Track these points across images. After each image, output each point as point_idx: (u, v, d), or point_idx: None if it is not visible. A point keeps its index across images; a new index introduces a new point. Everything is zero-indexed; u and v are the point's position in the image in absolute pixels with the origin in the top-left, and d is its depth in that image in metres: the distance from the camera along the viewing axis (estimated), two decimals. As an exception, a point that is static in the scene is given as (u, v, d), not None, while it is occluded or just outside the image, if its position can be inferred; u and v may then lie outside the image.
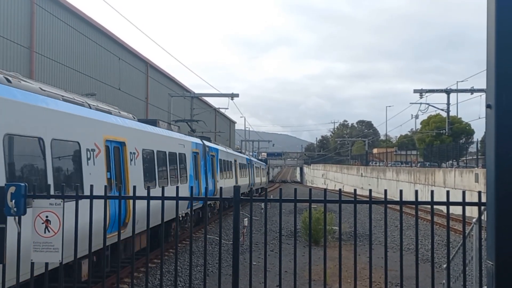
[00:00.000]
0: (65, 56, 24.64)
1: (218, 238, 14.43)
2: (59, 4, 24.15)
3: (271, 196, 44.56)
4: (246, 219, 17.05)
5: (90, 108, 10.24)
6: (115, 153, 10.77)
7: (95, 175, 9.44)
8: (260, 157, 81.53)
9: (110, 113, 11.26)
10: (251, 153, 74.99)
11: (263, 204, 23.18)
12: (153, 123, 14.73)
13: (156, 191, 8.20)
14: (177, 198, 5.09)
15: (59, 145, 8.25)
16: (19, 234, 4.85)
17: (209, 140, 23.42)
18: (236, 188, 4.98)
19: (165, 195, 4.94)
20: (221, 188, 5.40)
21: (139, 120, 14.06)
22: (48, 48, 23.08)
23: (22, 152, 7.39)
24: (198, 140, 20.07)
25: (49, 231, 4.82)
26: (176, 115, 38.85)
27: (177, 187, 5.08)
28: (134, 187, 5.15)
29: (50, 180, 7.73)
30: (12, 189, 4.67)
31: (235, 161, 30.47)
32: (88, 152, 9.31)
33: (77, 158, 8.91)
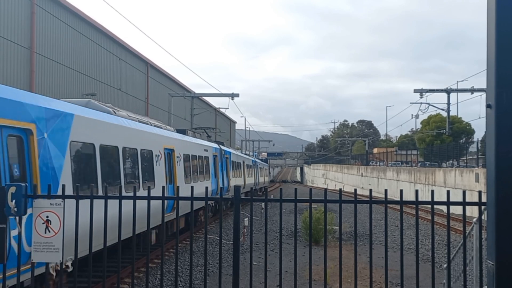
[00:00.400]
0: (65, 57, 24.64)
1: (218, 238, 14.43)
2: (60, 4, 24.15)
3: (272, 196, 44.53)
4: (246, 219, 17.07)
5: (151, 125, 13.91)
6: (168, 157, 14.52)
7: (159, 173, 13.31)
8: (260, 157, 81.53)
9: (161, 127, 15.06)
10: (251, 153, 75.02)
11: (263, 204, 23.27)
12: (183, 132, 18.47)
13: (189, 187, 10.95)
14: (177, 198, 5.09)
15: (143, 153, 12.28)
16: (19, 234, 4.85)
17: (223, 144, 27.14)
18: (237, 188, 4.98)
19: (195, 190, 5.14)
20: (221, 188, 5.40)
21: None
22: (48, 49, 23.09)
23: (129, 157, 11.47)
24: (216, 145, 23.74)
25: (49, 231, 4.83)
26: (176, 115, 38.85)
27: (192, 187, 5.13)
28: (163, 188, 5.20)
29: (140, 175, 11.83)
30: (12, 189, 4.67)
31: (243, 162, 33.71)
32: (156, 157, 13.16)
33: (151, 161, 12.80)
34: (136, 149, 11.69)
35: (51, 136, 7.77)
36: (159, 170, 13.27)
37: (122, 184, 10.50)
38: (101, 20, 29.06)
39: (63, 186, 5.09)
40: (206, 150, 20.31)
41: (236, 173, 29.39)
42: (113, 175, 10.36)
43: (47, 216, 4.83)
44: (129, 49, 33.73)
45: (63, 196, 4.94)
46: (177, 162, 15.18)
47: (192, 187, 5.07)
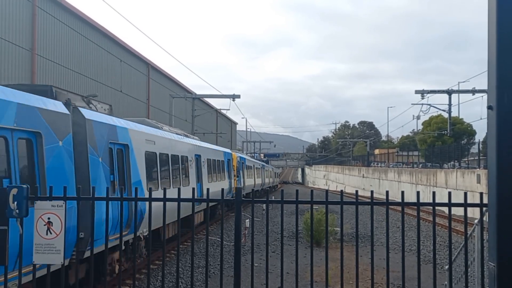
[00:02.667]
0: (66, 58, 24.67)
1: (219, 239, 14.39)
2: (61, 6, 24.19)
3: (273, 197, 44.63)
4: (247, 220, 17.05)
5: (187, 136, 17.86)
6: (197, 161, 18.13)
7: (192, 174, 16.98)
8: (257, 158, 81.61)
9: (188, 136, 18.53)
10: (250, 154, 75.03)
11: (264, 205, 23.27)
12: (268, 162, 29.84)
13: (214, 185, 19.84)
14: (179, 200, 5.10)
15: (183, 158, 15.73)
16: (21, 236, 4.86)
17: (241, 151, 37.20)
18: (238, 190, 4.98)
19: (213, 188, 5.49)
20: (222, 189, 5.41)
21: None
22: (49, 50, 23.12)
23: (174, 161, 14.73)
24: (231, 151, 29.62)
25: (51, 233, 4.83)
26: (177, 117, 38.87)
27: (193, 189, 5.17)
28: (178, 189, 5.26)
29: (180, 175, 15.17)
30: (14, 191, 4.67)
31: (254, 165, 39.36)
32: (190, 162, 16.70)
33: (186, 164, 16.27)
34: (178, 155, 15.15)
35: (137, 149, 11.23)
36: (192, 171, 17.00)
37: (170, 181, 14.04)
38: (102, 22, 29.06)
39: (65, 188, 5.09)
40: (224, 155, 25.00)
41: (249, 175, 35.41)
42: (166, 175, 13.87)
43: (49, 218, 4.83)
44: (130, 50, 33.76)
45: (64, 198, 4.95)
46: (202, 166, 18.80)
47: (208, 189, 5.56)
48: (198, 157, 18.11)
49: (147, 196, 5.62)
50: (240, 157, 30.81)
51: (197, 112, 41.91)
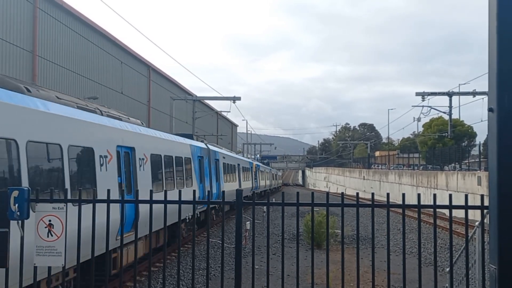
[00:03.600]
0: (67, 60, 24.70)
1: (220, 242, 14.32)
2: (62, 8, 24.22)
3: (273, 199, 44.75)
4: (248, 222, 17.04)
5: (223, 149, 27.26)
6: (242, 168, 27.72)
7: (235, 177, 26.71)
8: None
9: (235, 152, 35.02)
10: (252, 156, 75.04)
11: (265, 207, 23.23)
12: (268, 164, 59.69)
13: (246, 183, 32.42)
14: (180, 202, 5.10)
15: (201, 161, 19.22)
16: (22, 238, 4.86)
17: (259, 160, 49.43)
18: (239, 192, 4.98)
19: (228, 188, 5.72)
20: (223, 192, 5.41)
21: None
22: (50, 52, 23.15)
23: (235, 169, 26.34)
24: (250, 160, 40.19)
25: (52, 235, 4.83)
26: (178, 119, 38.88)
27: (194, 191, 5.22)
28: (165, 191, 5.20)
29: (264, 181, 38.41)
30: (15, 193, 4.67)
31: (264, 170, 48.96)
32: (239, 169, 29.07)
33: (263, 173, 37.57)
34: (202, 157, 19.23)
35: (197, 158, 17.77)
36: (236, 175, 25.78)
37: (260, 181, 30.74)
38: (103, 24, 29.09)
39: (66, 190, 5.10)
40: (239, 164, 30.63)
41: (261, 177, 44.15)
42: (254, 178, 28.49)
43: (50, 220, 4.83)
44: (131, 52, 33.80)
45: (66, 200, 4.95)
46: (241, 171, 29.22)
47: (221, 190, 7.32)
48: (217, 161, 22.76)
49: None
50: (257, 164, 41.42)
51: (197, 114, 41.91)
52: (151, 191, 5.20)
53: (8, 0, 20.21)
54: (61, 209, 4.86)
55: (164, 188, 13.18)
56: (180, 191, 5.05)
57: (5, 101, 6.89)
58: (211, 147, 21.60)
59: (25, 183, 6.90)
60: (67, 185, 7.86)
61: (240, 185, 29.34)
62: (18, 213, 4.66)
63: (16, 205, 4.66)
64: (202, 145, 19.87)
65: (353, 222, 22.50)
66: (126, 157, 11.08)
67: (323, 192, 47.65)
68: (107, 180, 9.66)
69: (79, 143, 8.80)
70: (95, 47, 27.22)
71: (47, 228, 4.83)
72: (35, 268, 4.90)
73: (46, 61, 22.09)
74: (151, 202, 5.07)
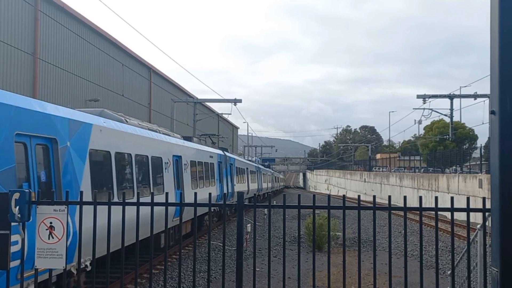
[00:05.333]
0: (68, 62, 24.73)
1: (221, 244, 14.32)
2: (63, 10, 24.26)
3: (274, 202, 44.91)
4: (249, 225, 17.03)
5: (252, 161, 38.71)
6: (231, 168, 26.12)
7: (255, 179, 34.34)
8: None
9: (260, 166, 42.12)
10: (252, 158, 75.16)
11: (266, 210, 23.24)
12: (269, 166, 61.36)
13: (242, 186, 30.11)
14: (183, 204, 5.09)
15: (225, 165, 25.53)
16: (23, 240, 4.85)
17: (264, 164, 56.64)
18: (240, 195, 4.98)
19: (239, 189, 6.20)
20: (224, 194, 5.42)
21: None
22: (51, 55, 23.18)
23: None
24: (258, 165, 46.15)
25: (53, 237, 4.82)
26: (179, 121, 38.88)
27: (210, 193, 5.29)
28: (166, 194, 5.21)
29: (267, 183, 43.59)
30: (16, 195, 4.67)
31: (267, 173, 52.26)
32: (273, 176, 53.13)
33: (268, 176, 46.09)
34: (232, 164, 25.94)
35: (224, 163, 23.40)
36: (257, 178, 33.03)
37: (266, 183, 36.83)
38: (104, 26, 29.12)
39: (67, 192, 5.09)
40: (253, 166, 37.43)
41: (265, 179, 48.13)
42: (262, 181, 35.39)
43: (51, 222, 4.83)
44: (132, 55, 33.83)
45: (67, 202, 4.95)
46: (263, 175, 36.96)
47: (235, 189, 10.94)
48: (232, 164, 26.28)
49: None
50: (262, 167, 47.95)
51: (198, 117, 41.91)
52: (166, 194, 5.20)
53: (10, 2, 20.24)
54: (62, 211, 4.86)
55: (198, 187, 17.40)
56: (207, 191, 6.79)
57: (117, 128, 10.29)
58: (227, 153, 25.54)
59: (114, 180, 9.70)
60: (151, 182, 11.96)
61: (248, 186, 33.13)
62: (19, 215, 4.66)
63: (17, 207, 4.65)
64: (221, 152, 23.79)
65: (353, 225, 22.46)
66: (176, 163, 14.87)
67: (324, 195, 47.65)
68: (168, 179, 13.60)
69: (155, 154, 12.61)
70: (96, 49, 27.25)
71: (48, 230, 4.83)
72: (36, 270, 4.89)
73: (47, 64, 22.12)
74: (166, 204, 5.08)
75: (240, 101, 40.50)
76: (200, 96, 51.05)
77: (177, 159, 14.93)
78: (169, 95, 39.14)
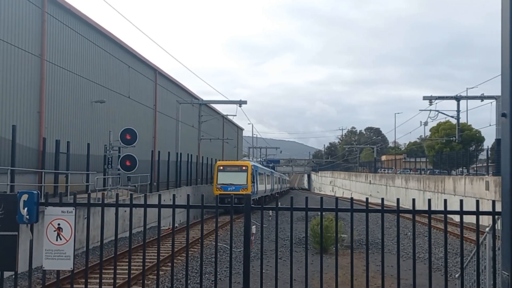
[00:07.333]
0: (75, 64, 24.81)
1: (225, 246, 14.24)
2: (70, 12, 24.35)
3: (280, 204, 45.36)
4: (253, 226, 17.00)
5: (274, 171, 59.42)
6: (274, 176, 53.29)
7: (275, 182, 54.66)
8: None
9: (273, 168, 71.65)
10: (257, 160, 75.22)
11: (271, 211, 23.20)
12: (274, 167, 76.20)
13: (261, 186, 43.85)
14: (189, 206, 5.10)
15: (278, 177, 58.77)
16: (31, 241, 4.87)
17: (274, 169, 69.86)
18: (247, 197, 4.97)
19: (260, 188, 6.93)
20: (231, 196, 5.40)
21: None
22: (58, 56, 23.26)
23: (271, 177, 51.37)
24: (271, 169, 56.38)
25: (60, 239, 4.84)
26: (184, 123, 38.93)
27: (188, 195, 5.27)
28: (173, 196, 5.21)
29: (276, 185, 55.97)
30: (24, 197, 4.69)
31: (277, 176, 60.52)
32: (278, 177, 60.07)
33: (275, 177, 55.43)
34: (285, 176, 69.78)
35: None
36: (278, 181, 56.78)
37: (273, 184, 49.91)
38: (109, 27, 29.21)
39: (75, 194, 5.11)
40: (264, 172, 45.11)
41: (278, 182, 58.29)
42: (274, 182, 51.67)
43: (59, 224, 4.84)
44: (138, 56, 33.91)
45: (75, 204, 4.96)
46: (279, 179, 59.80)
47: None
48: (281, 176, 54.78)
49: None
50: (272, 171, 55.59)
51: (203, 118, 41.96)
52: (173, 195, 5.21)
53: (17, 4, 20.34)
54: (70, 213, 4.87)
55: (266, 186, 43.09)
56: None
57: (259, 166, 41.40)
58: (253, 163, 38.14)
59: (262, 181, 40.40)
60: (266, 181, 43.17)
61: (265, 187, 43.11)
62: (27, 216, 4.67)
63: (26, 208, 4.67)
64: (254, 163, 39.30)
65: (359, 227, 22.38)
66: (269, 176, 43.97)
67: (329, 196, 47.61)
68: (274, 183, 49.47)
69: (273, 174, 48.33)
70: (102, 51, 27.32)
71: (56, 232, 4.84)
72: (44, 272, 4.91)
73: (54, 66, 22.20)
74: (174, 207, 5.08)
75: (245, 102, 40.51)
76: (204, 97, 51.16)
77: (270, 174, 44.00)
78: (174, 96, 39.18)
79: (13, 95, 20.12)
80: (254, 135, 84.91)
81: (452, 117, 44.72)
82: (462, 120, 46.07)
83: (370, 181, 56.90)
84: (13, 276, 4.94)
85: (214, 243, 17.14)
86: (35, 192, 4.75)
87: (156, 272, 5.26)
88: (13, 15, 20.13)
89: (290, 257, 4.96)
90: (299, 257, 13.79)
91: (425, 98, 41.27)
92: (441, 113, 43.44)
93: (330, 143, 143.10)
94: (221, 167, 35.32)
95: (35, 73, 21.64)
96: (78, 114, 25.63)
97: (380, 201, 5.03)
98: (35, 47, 21.42)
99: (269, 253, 16.03)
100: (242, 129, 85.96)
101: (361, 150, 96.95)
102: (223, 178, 34.38)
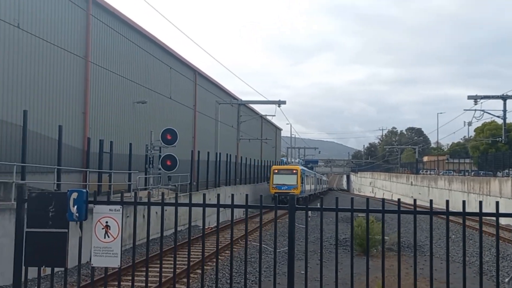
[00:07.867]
0: (118, 66, 25.39)
1: (266, 246, 14.24)
2: (114, 15, 24.96)
3: (317, 204, 45.21)
4: (310, 212, 16.90)
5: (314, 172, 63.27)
6: (316, 177, 59.50)
7: (315, 182, 57.72)
8: None
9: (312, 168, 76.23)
10: (295, 160, 74.87)
11: (310, 212, 23.11)
12: (312, 168, 78.32)
13: (308, 186, 51.85)
14: (233, 206, 5.11)
15: (317, 177, 61.94)
16: (80, 238, 5.00)
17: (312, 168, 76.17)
18: (291, 197, 4.94)
19: (307, 188, 7.37)
20: (261, 196, 5.36)
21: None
22: (102, 58, 23.87)
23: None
24: (315, 173, 62.92)
25: (108, 237, 4.95)
26: (223, 123, 39.22)
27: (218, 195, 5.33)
28: (218, 195, 5.25)
29: (318, 185, 61.25)
30: (74, 195, 4.82)
31: (319, 177, 65.27)
32: (319, 178, 63.40)
33: (317, 178, 60.37)
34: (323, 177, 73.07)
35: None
36: (318, 181, 60.50)
37: (316, 184, 55.93)
38: (150, 28, 29.69)
39: (122, 192, 5.21)
40: (310, 173, 51.92)
41: (319, 182, 62.26)
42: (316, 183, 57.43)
43: (107, 222, 4.95)
44: (178, 57, 34.40)
45: (122, 203, 5.06)
46: (321, 179, 65.69)
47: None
48: (320, 177, 62.26)
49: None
50: (320, 174, 64.94)
51: (242, 118, 42.17)
52: (218, 195, 5.26)
53: (62, 7, 20.99)
54: (117, 211, 4.97)
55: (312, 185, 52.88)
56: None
57: (306, 169, 49.39)
58: (301, 167, 45.31)
59: (309, 181, 49.35)
60: (311, 182, 51.90)
61: (310, 187, 49.36)
62: (77, 214, 4.80)
63: (75, 206, 4.80)
64: (301, 167, 45.61)
65: (396, 228, 21.91)
66: (312, 177, 52.77)
67: (373, 198, 46.88)
68: (315, 183, 54.56)
69: (315, 176, 56.95)
70: (145, 52, 27.87)
71: (104, 230, 4.96)
72: (93, 268, 5.03)
73: (98, 67, 22.79)
74: (218, 206, 5.12)
75: (284, 102, 40.45)
76: (243, 97, 51.39)
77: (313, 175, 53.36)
78: (213, 96, 39.53)
79: (59, 96, 20.78)
80: (293, 135, 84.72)
81: (498, 117, 43.29)
82: (509, 120, 44.52)
83: (411, 182, 55.72)
84: (63, 273, 5.09)
85: (254, 243, 17.18)
86: (84, 190, 4.88)
87: (200, 269, 5.30)
88: (59, 17, 20.79)
89: (336, 259, 4.90)
90: (339, 259, 13.62)
91: (469, 97, 40.12)
92: (487, 112, 42.11)
93: (370, 144, 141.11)
94: (276, 170, 42.19)
95: (80, 75, 22.27)
96: (121, 114, 26.23)
97: (424, 203, 4.90)
98: (80, 48, 22.05)
99: (309, 254, 15.94)
100: (280, 129, 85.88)
101: (402, 150, 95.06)
102: (277, 179, 40.92)
